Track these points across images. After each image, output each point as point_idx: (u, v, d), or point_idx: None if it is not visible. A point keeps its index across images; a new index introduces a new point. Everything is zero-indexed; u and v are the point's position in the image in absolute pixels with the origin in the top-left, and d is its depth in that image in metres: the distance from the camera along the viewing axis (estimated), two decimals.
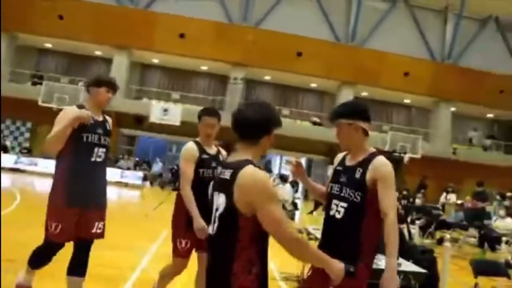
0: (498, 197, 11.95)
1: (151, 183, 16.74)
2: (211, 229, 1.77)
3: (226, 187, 1.68)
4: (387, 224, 2.08)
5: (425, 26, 22.34)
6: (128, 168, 16.45)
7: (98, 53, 20.33)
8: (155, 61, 20.54)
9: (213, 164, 3.10)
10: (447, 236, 6.40)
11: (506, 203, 11.40)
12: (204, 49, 18.74)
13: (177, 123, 17.20)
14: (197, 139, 3.13)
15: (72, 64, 20.94)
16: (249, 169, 1.66)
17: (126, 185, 15.48)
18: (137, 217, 8.95)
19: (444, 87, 20.81)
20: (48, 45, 20.36)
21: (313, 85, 21.86)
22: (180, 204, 3.05)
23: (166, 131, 18.43)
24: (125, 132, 19.62)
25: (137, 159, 17.66)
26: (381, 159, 2.21)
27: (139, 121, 18.73)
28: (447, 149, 20.56)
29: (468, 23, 22.38)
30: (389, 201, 2.11)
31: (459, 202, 12.28)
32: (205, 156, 2.91)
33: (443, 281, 4.23)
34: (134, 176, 15.75)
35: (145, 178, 15.89)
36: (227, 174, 1.71)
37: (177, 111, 17.38)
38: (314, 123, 20.75)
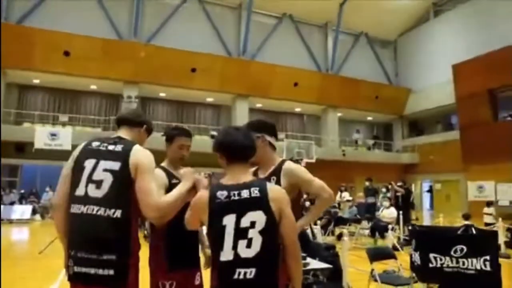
0: (383, 189, 13.31)
1: (42, 216, 15.03)
2: (237, 252, 1.73)
3: (258, 204, 1.76)
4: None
5: (310, 39, 24.26)
6: (12, 203, 14.61)
7: None
8: (36, 81, 18.75)
9: None
10: (345, 231, 6.96)
11: (389, 194, 12.76)
12: (92, 67, 17.73)
13: (69, 148, 15.88)
14: (163, 164, 2.66)
15: None
16: (272, 185, 2.00)
17: (11, 222, 13.71)
18: (30, 255, 8.03)
19: (330, 95, 22.79)
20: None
21: (209, 99, 22.09)
22: (156, 238, 2.56)
23: (54, 156, 16.88)
24: (6, 162, 17.48)
25: (22, 191, 15.80)
26: (289, 163, 2.41)
27: (21, 149, 16.87)
28: (337, 151, 22.39)
29: (345, 37, 24.90)
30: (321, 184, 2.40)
31: (350, 198, 13.43)
32: (174, 181, 2.42)
33: (345, 271, 4.63)
34: (20, 211, 14.01)
35: (34, 212, 14.25)
36: (254, 192, 1.79)
37: (67, 135, 16.08)
38: (212, 137, 20.93)
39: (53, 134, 16.14)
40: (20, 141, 16.63)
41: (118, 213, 1.90)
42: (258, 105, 22.87)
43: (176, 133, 2.71)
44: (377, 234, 9.78)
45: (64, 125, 18.04)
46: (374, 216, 11.06)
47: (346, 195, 13.61)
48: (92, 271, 1.83)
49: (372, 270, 4.42)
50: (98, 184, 1.92)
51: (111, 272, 1.83)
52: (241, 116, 20.72)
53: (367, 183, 13.20)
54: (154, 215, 1.94)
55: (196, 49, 19.65)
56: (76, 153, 2.04)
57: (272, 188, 1.84)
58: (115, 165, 1.95)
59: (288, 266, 1.83)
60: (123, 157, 1.98)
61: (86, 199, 1.90)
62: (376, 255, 4.70)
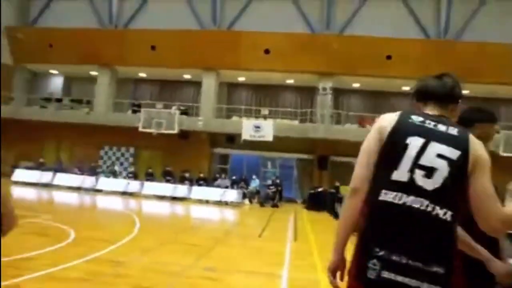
0: None
1: (250, 201, 16.74)
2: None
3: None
4: None
5: None
6: (226, 187, 16.63)
7: (187, 76, 21.16)
8: (242, 79, 20.81)
9: None
10: None
11: None
12: (289, 63, 18.58)
13: (270, 139, 17.13)
14: None
15: (164, 90, 22.07)
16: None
17: (226, 203, 15.62)
18: (251, 237, 8.76)
19: None
20: (142, 75, 21.70)
21: (405, 88, 20.50)
22: None
23: (257, 147, 18.46)
24: (218, 151, 20.06)
25: (234, 177, 17.82)
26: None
27: (231, 139, 19.01)
28: None
29: None
30: None
31: None
32: None
33: None
34: (234, 195, 15.85)
35: (243, 196, 15.93)
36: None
37: (269, 127, 17.33)
38: None
39: (257, 126, 17.58)
40: (230, 133, 18.77)
41: (448, 215, 1.48)
42: (465, 92, 20.06)
43: (478, 118, 2.15)
44: None
45: (265, 118, 19.47)
46: None
47: None
48: (413, 283, 1.44)
49: None
50: (429, 172, 1.51)
51: None
52: None
53: None
54: (496, 226, 1.52)
55: (391, 35, 18.50)
56: (389, 124, 1.61)
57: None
58: (453, 153, 1.53)
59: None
60: (463, 144, 1.55)
61: (411, 188, 1.51)
62: None
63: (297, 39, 18.85)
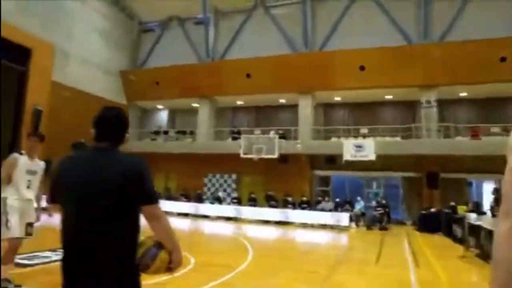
0: None
1: (357, 224, 16.06)
2: None
3: None
4: None
5: None
6: (330, 210, 16.23)
7: (282, 101, 21.49)
8: (337, 98, 20.50)
9: None
10: None
11: None
12: (387, 77, 17.82)
13: (373, 158, 16.44)
14: None
15: (260, 115, 22.66)
16: None
17: (331, 227, 15.20)
18: (368, 263, 8.29)
19: None
20: (240, 102, 22.56)
21: None
22: None
23: (359, 167, 17.84)
24: (319, 173, 19.80)
25: (337, 199, 17.36)
26: None
27: (331, 160, 18.65)
28: None
29: None
30: None
31: None
32: None
33: None
34: (342, 218, 15.38)
35: (350, 219, 15.36)
36: None
37: (370, 146, 16.67)
38: None
39: (357, 146, 17.02)
40: (329, 154, 18.44)
41: None
42: None
43: None
44: None
45: (364, 137, 18.81)
46: None
47: None
48: None
49: None
50: None
51: None
52: None
53: None
54: None
55: (502, 35, 16.77)
56: None
57: None
58: None
59: None
60: None
61: None
62: None
63: (393, 52, 18.03)
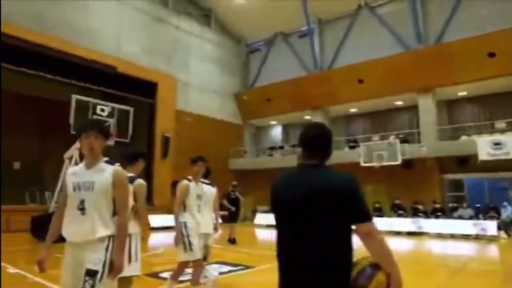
0: None
1: (507, 233, 13.93)
2: None
3: None
4: None
5: None
6: (471, 217, 14.53)
7: (399, 103, 20.24)
8: (462, 93, 18.53)
9: None
10: None
11: None
12: None
13: None
14: None
15: (376, 121, 21.65)
16: None
17: (476, 237, 13.54)
18: None
19: None
20: (353, 110, 21.90)
21: None
22: None
23: (499, 167, 15.71)
24: (450, 177, 18.02)
25: (477, 205, 15.48)
26: None
27: (463, 162, 16.82)
28: None
29: None
30: None
31: None
32: None
33: None
34: (484, 226, 13.64)
35: (498, 227, 13.46)
36: None
37: None
38: None
39: (496, 143, 15.08)
40: (461, 155, 16.66)
41: None
42: None
43: None
44: None
45: (502, 132, 16.59)
46: None
47: None
48: None
49: None
50: None
51: None
52: None
53: None
54: None
55: None
56: None
57: None
58: None
59: None
60: None
61: None
62: None
63: None
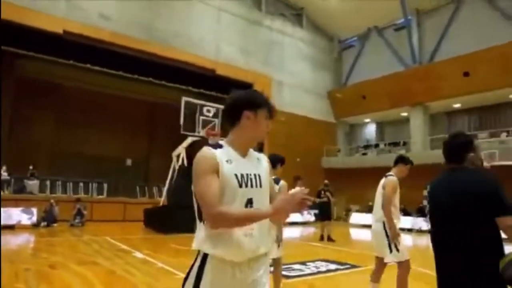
0: None
1: None
2: None
3: None
4: None
5: None
6: None
7: None
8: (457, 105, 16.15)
9: None
10: None
11: None
12: None
13: None
14: None
15: (483, 116, 19.85)
16: None
17: None
18: None
19: None
20: (456, 105, 20.35)
21: None
22: None
23: None
24: None
25: None
26: None
27: None
28: None
29: None
30: None
31: None
32: None
33: None
34: None
35: None
36: None
37: None
38: None
39: None
40: None
41: None
42: None
43: None
44: None
45: None
46: None
47: None
48: None
49: None
50: None
51: None
52: None
53: None
54: None
55: None
56: None
57: None
58: None
59: None
60: None
61: None
62: None
63: None
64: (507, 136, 16.45)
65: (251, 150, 1.95)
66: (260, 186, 1.85)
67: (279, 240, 4.73)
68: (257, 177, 1.86)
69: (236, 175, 1.78)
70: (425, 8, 21.39)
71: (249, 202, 1.79)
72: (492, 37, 17.60)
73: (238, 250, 1.72)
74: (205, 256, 1.72)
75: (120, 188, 18.48)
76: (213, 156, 1.75)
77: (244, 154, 1.89)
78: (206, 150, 1.79)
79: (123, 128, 21.02)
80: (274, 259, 4.73)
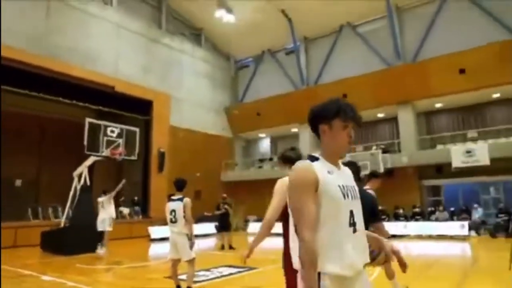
0: None
1: (477, 233, 15.38)
2: None
3: None
4: None
5: None
6: (446, 220, 15.86)
7: (380, 115, 21.59)
8: (439, 105, 19.98)
9: None
10: None
11: None
12: (491, 76, 17.03)
13: (487, 162, 15.77)
14: None
15: (359, 132, 22.94)
16: None
17: (451, 237, 14.86)
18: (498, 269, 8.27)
19: None
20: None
21: None
22: None
23: (472, 173, 17.10)
24: (428, 183, 19.39)
25: (452, 208, 16.88)
26: None
27: (439, 169, 18.22)
28: None
29: None
30: None
31: None
32: None
33: None
34: (457, 227, 15.01)
35: (469, 228, 14.84)
36: None
37: (483, 150, 16.02)
38: None
39: (468, 151, 16.47)
40: (438, 163, 18.04)
41: None
42: None
43: None
44: None
45: (474, 141, 18.04)
46: None
47: None
48: None
49: None
50: None
51: None
52: None
53: None
54: None
55: None
56: None
57: None
58: None
59: None
60: None
61: None
62: None
63: (497, 49, 17.19)
64: (375, 149, 19.41)
65: (339, 162, 1.94)
66: (358, 198, 1.85)
67: (192, 241, 5.62)
68: (354, 189, 1.86)
69: (339, 186, 1.76)
70: (311, 36, 24.11)
71: (351, 215, 1.75)
72: (366, 64, 20.76)
73: (351, 265, 1.69)
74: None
75: (9, 212, 17.12)
76: (312, 169, 1.72)
77: (337, 166, 1.88)
78: (305, 163, 1.77)
79: (10, 145, 19.50)
80: (188, 261, 5.61)
